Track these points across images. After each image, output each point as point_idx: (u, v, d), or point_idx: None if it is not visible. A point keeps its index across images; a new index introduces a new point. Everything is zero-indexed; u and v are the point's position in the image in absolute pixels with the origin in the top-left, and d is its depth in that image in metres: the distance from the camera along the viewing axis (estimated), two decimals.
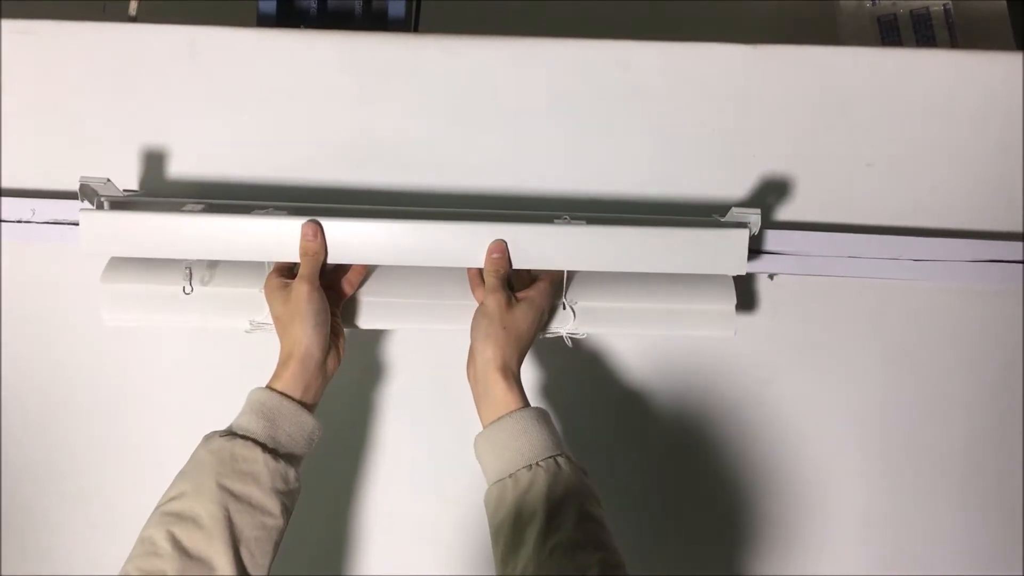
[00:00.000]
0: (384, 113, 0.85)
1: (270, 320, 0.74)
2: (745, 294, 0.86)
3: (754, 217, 0.77)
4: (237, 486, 0.63)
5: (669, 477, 0.89)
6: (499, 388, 0.68)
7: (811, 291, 0.87)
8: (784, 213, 0.87)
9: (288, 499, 0.66)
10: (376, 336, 0.87)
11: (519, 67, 0.85)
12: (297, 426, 0.68)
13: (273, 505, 0.64)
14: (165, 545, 0.60)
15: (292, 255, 0.75)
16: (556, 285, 0.78)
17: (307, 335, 0.70)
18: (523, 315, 0.72)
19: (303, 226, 0.74)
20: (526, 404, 0.68)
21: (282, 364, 0.70)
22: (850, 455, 0.89)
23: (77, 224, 0.81)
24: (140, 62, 0.85)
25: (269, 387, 0.69)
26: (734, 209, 0.78)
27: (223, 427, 0.67)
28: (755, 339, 0.87)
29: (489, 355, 0.69)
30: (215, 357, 0.87)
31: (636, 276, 0.81)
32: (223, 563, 0.60)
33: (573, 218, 0.78)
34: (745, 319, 0.87)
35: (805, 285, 0.87)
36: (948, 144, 0.87)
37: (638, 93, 0.86)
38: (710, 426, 0.88)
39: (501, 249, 0.75)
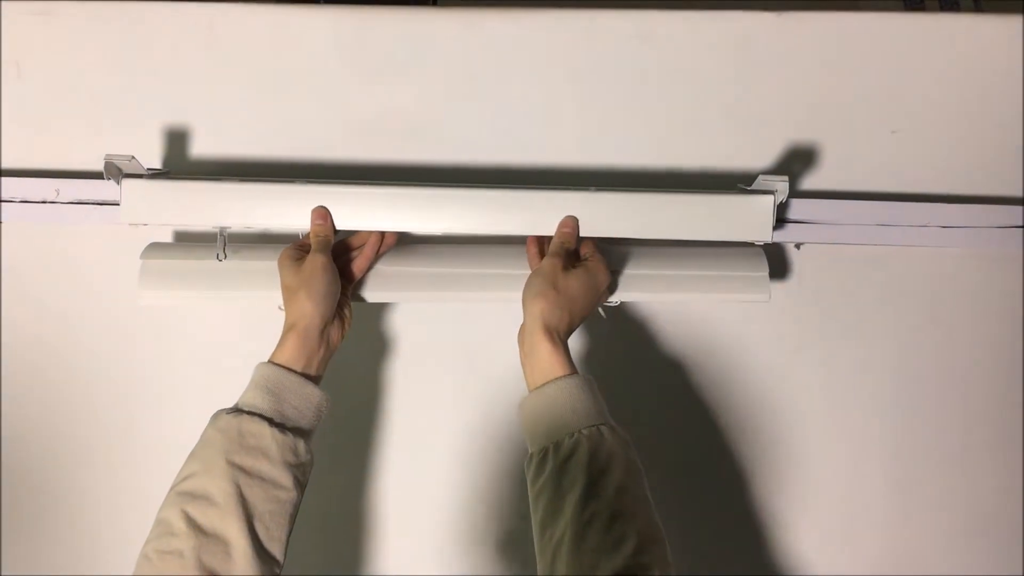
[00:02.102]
0: (404, 88, 0.85)
1: None
2: (772, 264, 0.86)
3: (781, 184, 0.77)
4: (247, 461, 0.63)
5: (697, 447, 0.88)
6: (544, 349, 0.68)
7: (838, 260, 0.87)
8: (809, 182, 0.86)
9: (300, 472, 0.66)
10: (399, 314, 0.87)
11: (540, 40, 0.85)
12: (303, 398, 0.68)
13: (285, 478, 0.64)
14: (180, 524, 0.60)
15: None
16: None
17: (313, 304, 0.70)
18: (577, 280, 0.72)
19: (313, 211, 0.76)
20: (573, 370, 0.68)
21: (283, 337, 0.71)
22: (877, 424, 0.88)
23: (101, 204, 0.82)
24: (159, 41, 0.84)
25: (271, 361, 0.69)
26: (761, 177, 0.78)
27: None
28: (782, 309, 0.87)
29: (537, 312, 0.69)
30: (243, 340, 0.87)
31: (666, 249, 0.82)
32: (238, 538, 0.60)
33: (599, 190, 0.78)
34: (772, 288, 0.86)
35: (832, 254, 0.86)
36: (973, 109, 0.86)
37: (661, 63, 0.85)
38: (737, 396, 0.88)
39: (572, 225, 0.76)
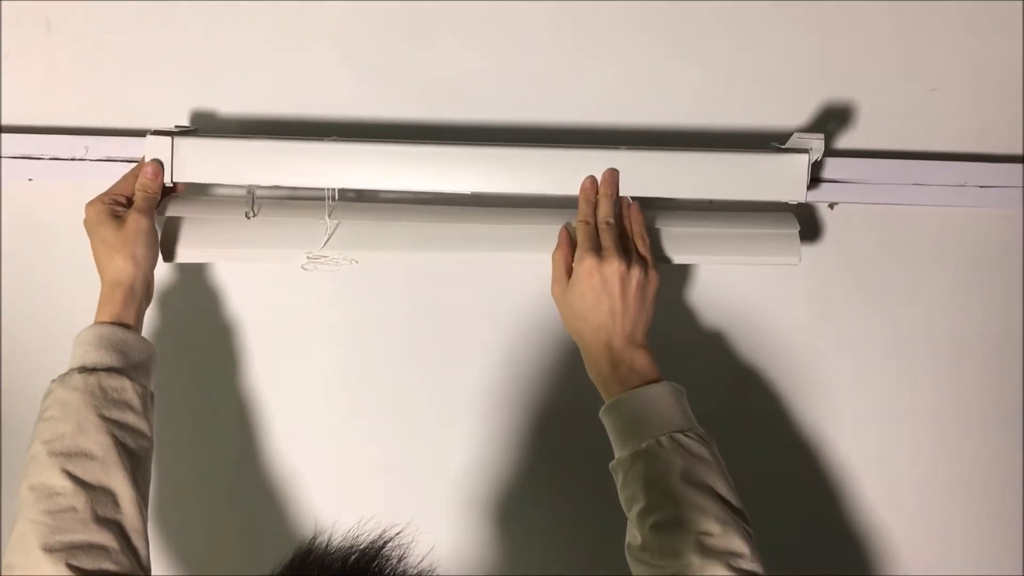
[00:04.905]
0: (432, 47, 0.84)
1: (328, 252, 0.74)
2: (805, 224, 0.85)
3: (816, 142, 0.76)
4: (116, 414, 0.64)
5: (725, 411, 0.88)
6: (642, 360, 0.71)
7: (872, 220, 0.85)
8: (845, 140, 0.84)
9: (152, 421, 0.68)
10: (419, 274, 0.87)
11: None
12: (143, 352, 0.69)
13: (147, 428, 0.66)
14: (64, 483, 0.60)
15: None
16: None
17: (135, 265, 0.70)
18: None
19: (145, 165, 0.74)
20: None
21: (108, 295, 0.70)
22: (911, 388, 0.88)
23: (130, 161, 0.81)
24: None
25: (102, 322, 0.69)
26: (796, 135, 0.76)
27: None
28: (815, 270, 0.86)
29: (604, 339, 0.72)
30: (267, 302, 0.87)
31: (692, 211, 0.81)
32: (124, 487, 0.62)
33: (629, 149, 0.77)
34: (805, 250, 0.85)
35: (866, 214, 0.85)
36: (1014, 66, 0.84)
37: (695, 22, 0.83)
38: (768, 359, 0.88)
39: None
